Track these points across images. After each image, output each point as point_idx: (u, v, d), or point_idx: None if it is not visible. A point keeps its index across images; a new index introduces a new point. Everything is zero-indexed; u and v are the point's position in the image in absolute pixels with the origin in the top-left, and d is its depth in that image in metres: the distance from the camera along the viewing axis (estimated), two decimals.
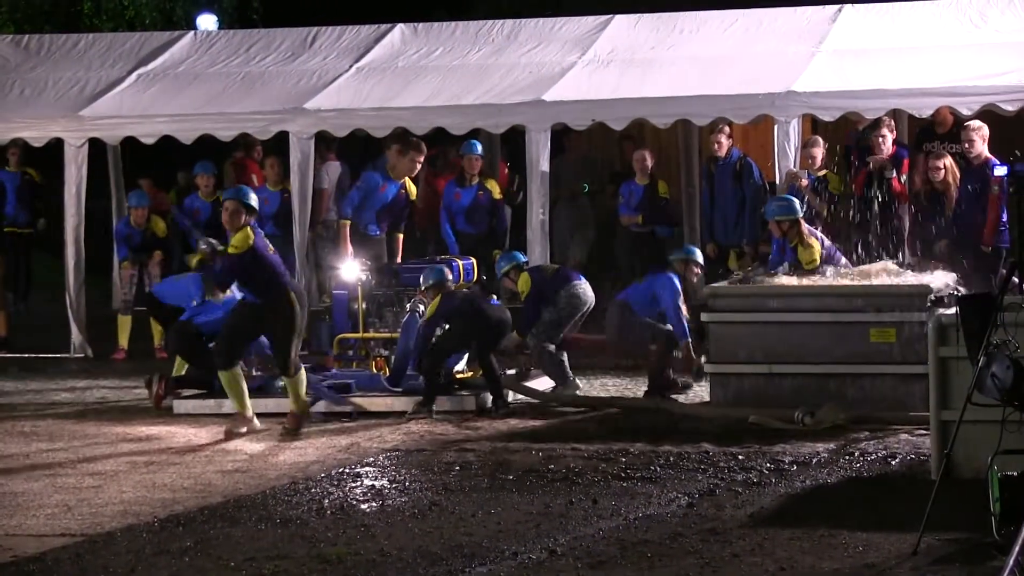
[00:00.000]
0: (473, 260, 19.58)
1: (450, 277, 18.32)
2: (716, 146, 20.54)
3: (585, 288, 18.49)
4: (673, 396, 17.63)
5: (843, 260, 18.45)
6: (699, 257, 18.58)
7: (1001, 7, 20.88)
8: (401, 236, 20.80)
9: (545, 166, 20.85)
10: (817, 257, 18.11)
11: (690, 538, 11.13)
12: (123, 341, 22.80)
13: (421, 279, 18.17)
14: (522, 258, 19.08)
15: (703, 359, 17.34)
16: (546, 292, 18.69)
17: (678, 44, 22.02)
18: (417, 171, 20.98)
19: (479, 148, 22.91)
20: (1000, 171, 17.02)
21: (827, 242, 18.52)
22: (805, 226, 18.17)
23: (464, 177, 22.15)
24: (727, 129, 20.72)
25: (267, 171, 23.08)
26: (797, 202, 18.52)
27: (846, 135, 21.21)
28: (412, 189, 20.98)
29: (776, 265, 18.45)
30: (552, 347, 18.40)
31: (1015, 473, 10.38)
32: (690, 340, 17.83)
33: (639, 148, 22.43)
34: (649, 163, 21.43)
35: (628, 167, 22.54)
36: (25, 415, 18.22)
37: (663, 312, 17.79)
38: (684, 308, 17.97)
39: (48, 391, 20.04)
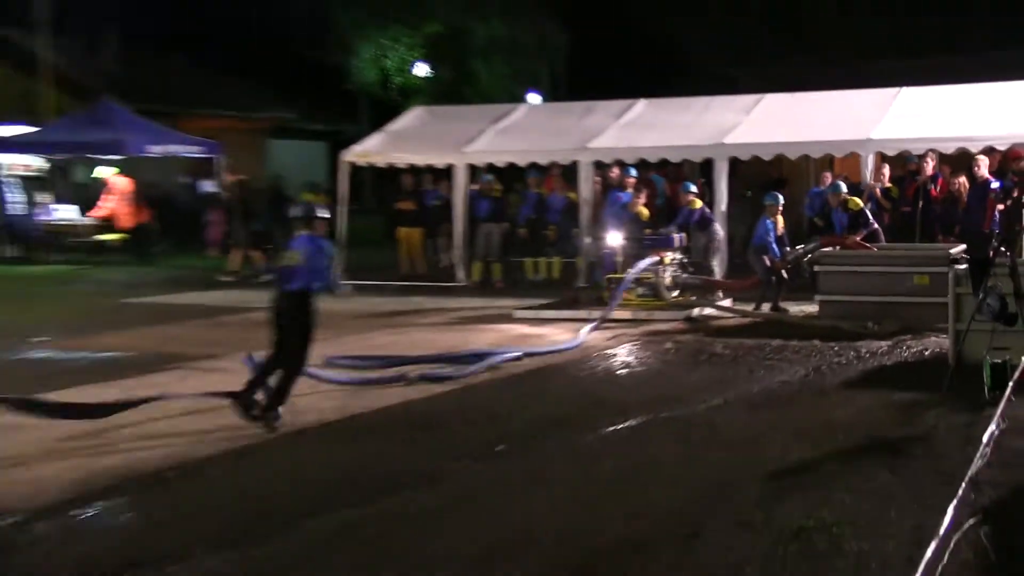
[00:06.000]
0: (684, 234, 20.50)
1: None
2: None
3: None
4: (785, 309, 18.69)
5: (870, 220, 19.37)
6: (778, 201, 19.43)
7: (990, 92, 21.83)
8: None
9: (724, 181, 21.86)
10: (861, 201, 19.40)
11: (807, 394, 12.46)
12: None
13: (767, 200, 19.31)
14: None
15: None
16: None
17: (805, 110, 23.08)
18: (644, 198, 21.82)
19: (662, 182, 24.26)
20: (994, 185, 19.98)
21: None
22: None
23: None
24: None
25: (555, 183, 24.36)
26: (842, 184, 19.91)
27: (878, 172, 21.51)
28: (643, 213, 21.69)
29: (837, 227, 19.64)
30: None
31: (999, 360, 11.31)
32: (777, 258, 18.91)
33: (790, 172, 23.95)
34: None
35: (775, 182, 23.25)
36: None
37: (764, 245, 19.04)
38: (772, 239, 19.04)
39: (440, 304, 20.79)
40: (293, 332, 11.38)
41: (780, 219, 19.43)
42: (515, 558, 7.44)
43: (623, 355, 15.49)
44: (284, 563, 7.45)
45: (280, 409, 11.31)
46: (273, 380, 11.44)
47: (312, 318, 11.45)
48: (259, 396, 11.43)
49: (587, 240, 23.00)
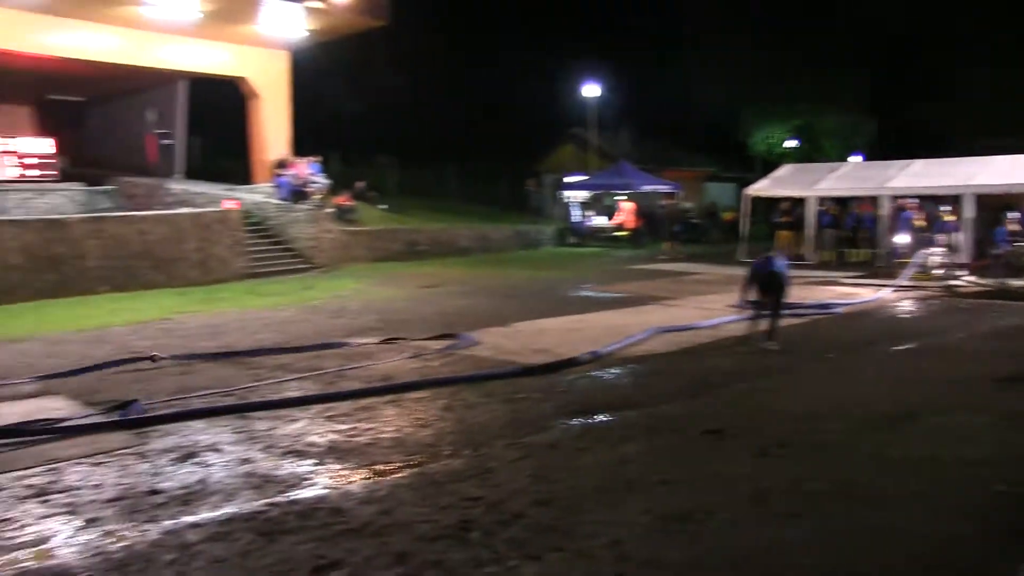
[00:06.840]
0: (943, 236, 18.90)
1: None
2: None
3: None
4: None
5: None
6: (1007, 216, 18.00)
7: None
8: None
9: (969, 206, 19.70)
10: None
11: (1016, 332, 11.24)
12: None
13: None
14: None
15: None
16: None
17: (955, 170, 20.95)
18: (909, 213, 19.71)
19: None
20: None
21: None
22: None
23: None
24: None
25: (867, 206, 21.86)
26: None
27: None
28: (919, 224, 19.68)
29: None
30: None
31: None
32: (1004, 250, 17.68)
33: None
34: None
35: (1002, 206, 20.11)
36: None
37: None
38: (1002, 238, 17.77)
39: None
40: (774, 294, 10.05)
41: (1009, 226, 18.24)
42: (829, 417, 7.03)
43: (904, 306, 14.23)
44: (712, 410, 7.27)
45: (774, 341, 10.00)
46: (764, 323, 10.19)
47: (784, 285, 10.09)
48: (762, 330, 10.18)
49: (885, 239, 21.32)
